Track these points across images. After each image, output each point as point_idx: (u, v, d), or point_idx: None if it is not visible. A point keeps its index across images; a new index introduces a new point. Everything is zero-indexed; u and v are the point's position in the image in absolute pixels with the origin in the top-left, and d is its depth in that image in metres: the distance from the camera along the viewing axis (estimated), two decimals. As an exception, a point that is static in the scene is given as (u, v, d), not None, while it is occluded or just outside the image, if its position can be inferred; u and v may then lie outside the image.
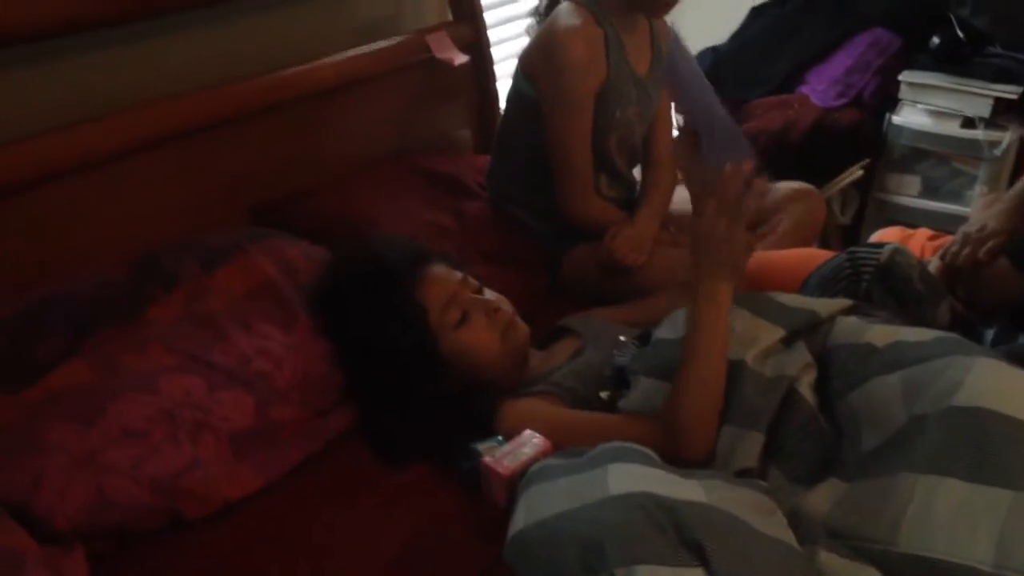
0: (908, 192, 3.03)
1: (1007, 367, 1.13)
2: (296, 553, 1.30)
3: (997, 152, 2.77)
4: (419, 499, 1.40)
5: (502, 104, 2.31)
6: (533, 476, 1.16)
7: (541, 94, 1.94)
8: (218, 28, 1.88)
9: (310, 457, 1.46)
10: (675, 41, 1.34)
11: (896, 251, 1.49)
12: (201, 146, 1.82)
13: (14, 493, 1.22)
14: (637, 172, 2.20)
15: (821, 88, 2.96)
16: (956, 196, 2.95)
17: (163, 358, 1.43)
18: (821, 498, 1.14)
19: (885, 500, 1.06)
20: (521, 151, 2.06)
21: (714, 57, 3.11)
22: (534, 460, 1.28)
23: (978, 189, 2.87)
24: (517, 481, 1.21)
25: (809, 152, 2.80)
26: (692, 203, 1.35)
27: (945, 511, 1.01)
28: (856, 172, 2.87)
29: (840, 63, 3.00)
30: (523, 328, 1.57)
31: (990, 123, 2.77)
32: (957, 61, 2.82)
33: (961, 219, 1.73)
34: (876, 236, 2.03)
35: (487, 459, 1.34)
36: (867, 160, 2.92)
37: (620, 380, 1.46)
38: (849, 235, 3.04)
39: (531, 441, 1.35)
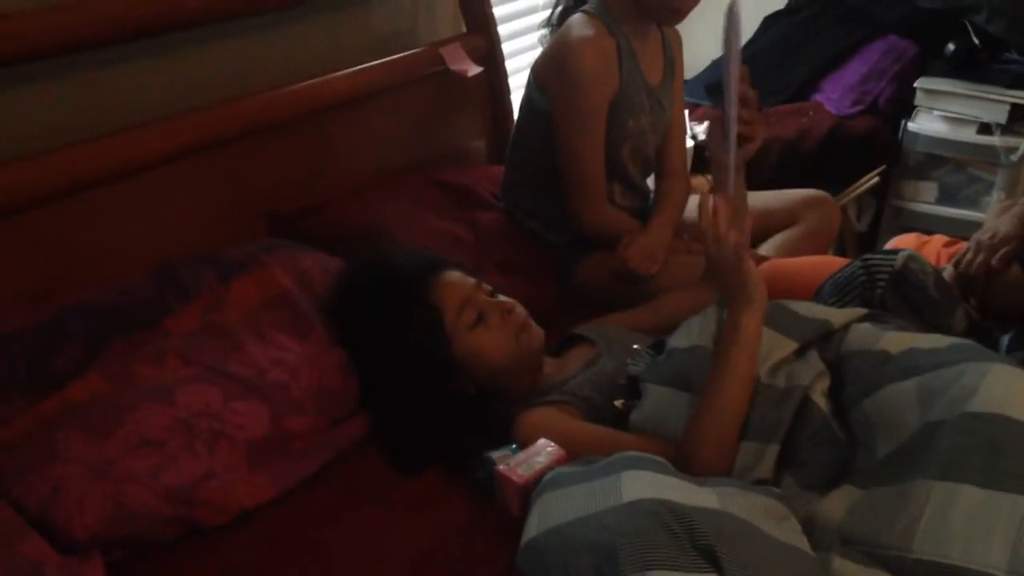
0: (925, 199, 3.02)
1: (1023, 373, 1.13)
2: (311, 561, 1.30)
3: (1014, 158, 2.76)
4: (434, 507, 1.40)
5: (516, 115, 2.32)
6: (547, 484, 1.16)
7: (553, 105, 1.95)
8: (235, 42, 1.90)
9: (325, 466, 1.46)
10: (732, 15, 1.36)
11: (910, 258, 1.48)
12: (218, 159, 1.84)
13: (33, 503, 1.24)
14: (651, 182, 2.21)
15: (836, 96, 2.96)
16: (973, 202, 2.94)
17: (180, 369, 1.44)
18: (835, 505, 1.14)
19: (900, 506, 1.05)
20: (534, 161, 2.07)
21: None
22: (548, 469, 1.28)
23: (995, 195, 2.86)
24: (531, 489, 1.21)
25: (824, 160, 2.80)
26: (714, 182, 1.37)
27: (960, 517, 1.00)
28: (872, 179, 2.87)
29: (855, 71, 3.00)
30: (537, 331, 1.57)
31: (1007, 129, 2.76)
32: (973, 67, 2.82)
33: (979, 225, 1.72)
34: (892, 243, 2.03)
35: (501, 467, 1.35)
36: (883, 167, 2.91)
37: (634, 389, 1.46)
38: (866, 242, 3.03)
39: (545, 450, 1.35)
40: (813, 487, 1.22)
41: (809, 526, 1.11)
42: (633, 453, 1.15)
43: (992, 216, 1.69)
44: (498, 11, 2.50)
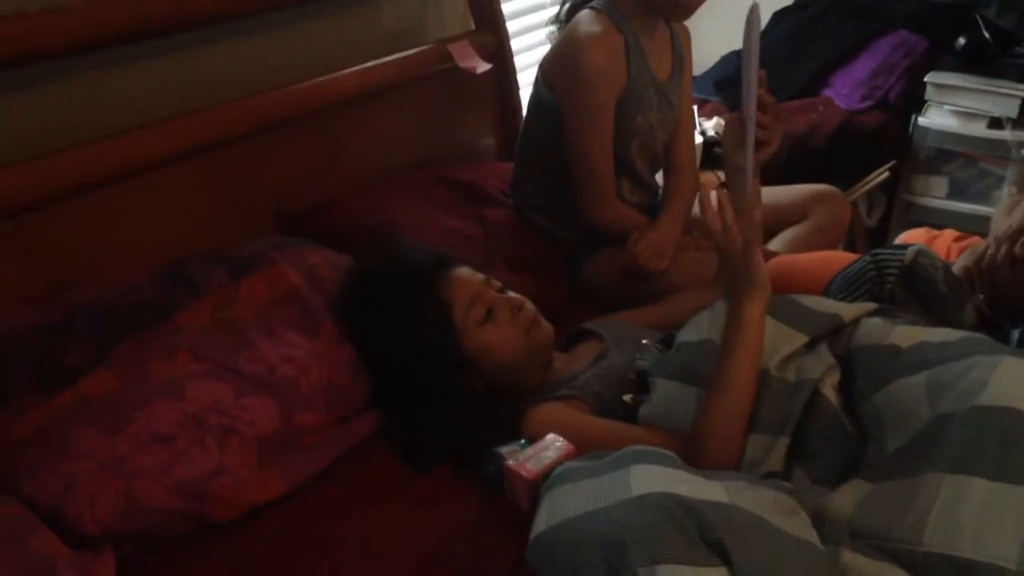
0: (935, 194, 3.01)
1: (1033, 366, 1.12)
2: (321, 557, 1.31)
3: (1025, 152, 2.75)
4: (443, 503, 1.40)
5: (524, 112, 2.32)
6: (556, 479, 1.16)
7: (562, 101, 1.95)
8: (242, 41, 1.90)
9: (335, 463, 1.47)
10: (752, 17, 1.36)
11: (920, 252, 1.48)
12: (226, 157, 1.84)
13: (45, 499, 1.25)
14: (660, 178, 2.20)
15: (846, 91, 2.95)
16: (984, 197, 2.93)
17: (190, 364, 1.44)
18: (845, 499, 1.13)
19: (910, 500, 1.05)
20: (543, 158, 2.07)
21: (737, 62, 3.10)
22: (557, 463, 1.28)
23: (1006, 190, 2.84)
24: (540, 484, 1.21)
25: (834, 155, 2.79)
26: (727, 184, 1.37)
27: (971, 510, 1.00)
28: (882, 174, 2.86)
29: (865, 66, 2.99)
30: (547, 327, 1.58)
31: (1017, 123, 2.75)
32: (983, 61, 2.80)
33: (988, 220, 1.71)
34: (902, 238, 2.02)
35: (510, 462, 1.35)
36: (893, 162, 2.90)
37: (643, 383, 1.46)
38: (876, 237, 3.02)
39: (554, 445, 1.35)
40: (823, 481, 1.21)
41: (818, 520, 1.10)
42: (642, 447, 1.15)
43: (1001, 214, 1.68)
44: (506, 8, 2.51)
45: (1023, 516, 0.97)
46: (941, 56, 2.91)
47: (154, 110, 1.72)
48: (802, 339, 1.34)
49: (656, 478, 1.06)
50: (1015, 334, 1.47)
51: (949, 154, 2.95)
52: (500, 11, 2.43)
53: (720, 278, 1.38)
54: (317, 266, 1.70)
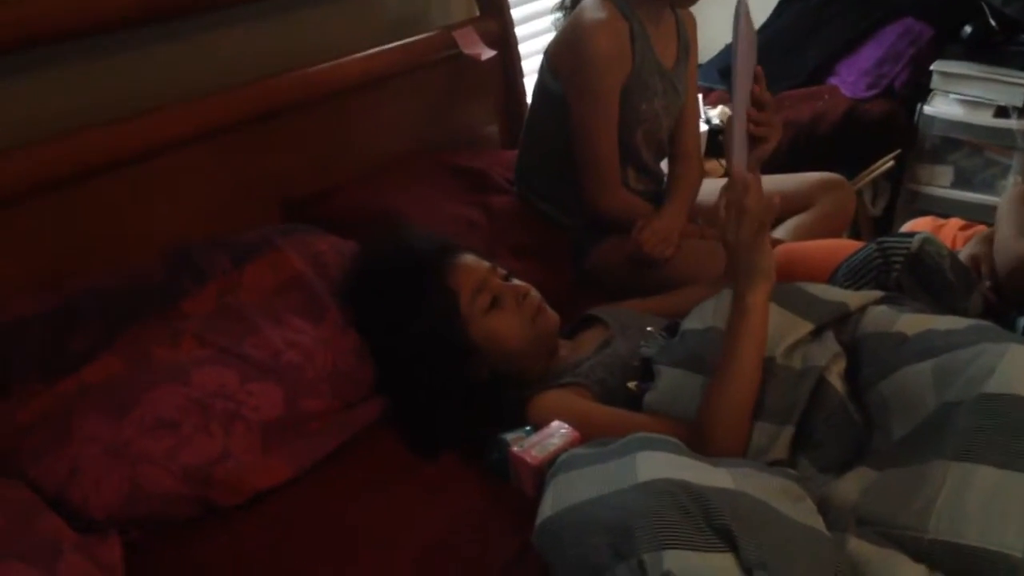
0: (940, 183, 3.00)
1: (1040, 354, 1.12)
2: (325, 543, 1.31)
3: (1031, 141, 2.74)
4: (448, 490, 1.40)
5: (529, 99, 2.31)
6: (561, 465, 1.16)
7: (567, 88, 1.94)
8: (246, 27, 1.90)
9: (339, 449, 1.47)
10: (741, 8, 1.36)
11: (926, 240, 1.47)
12: (232, 143, 1.84)
13: (50, 483, 1.25)
14: (665, 166, 2.20)
15: (851, 79, 2.94)
16: (989, 186, 2.92)
17: (195, 350, 1.45)
18: (851, 486, 1.13)
19: (916, 487, 1.05)
20: (548, 145, 2.07)
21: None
22: (562, 450, 1.28)
23: (1011, 179, 2.83)
24: (545, 471, 1.21)
25: (840, 143, 2.79)
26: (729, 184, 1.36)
27: (977, 498, 1.00)
28: (887, 163, 2.85)
29: (870, 54, 2.97)
30: (552, 315, 1.57)
31: (1023, 112, 2.73)
32: (990, 50, 2.79)
33: (994, 209, 1.70)
34: (908, 226, 2.02)
35: (515, 449, 1.35)
36: (898, 151, 2.89)
37: (647, 371, 1.46)
38: (880, 226, 3.01)
39: (559, 431, 1.36)
40: (828, 469, 1.21)
41: (824, 507, 1.10)
42: (647, 434, 1.15)
43: (1006, 200, 1.67)
44: (511, -6, 2.50)
45: (1029, 504, 0.97)
46: (947, 44, 2.90)
47: (157, 96, 1.72)
48: (808, 327, 1.34)
49: (662, 464, 1.06)
50: (1022, 322, 1.47)
51: (954, 143, 2.94)
52: (505, -3, 2.43)
53: (726, 267, 1.38)
54: (322, 252, 1.70)
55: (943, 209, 2.77)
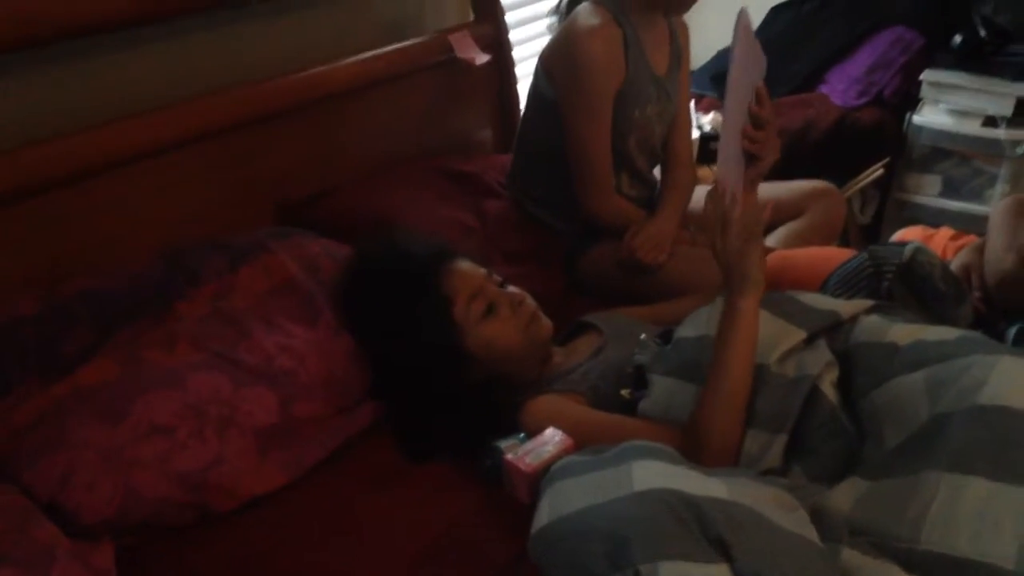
0: (928, 192, 3.02)
1: (1031, 366, 1.13)
2: (319, 548, 1.31)
3: (1019, 151, 2.75)
4: (443, 495, 1.41)
5: (523, 104, 2.32)
6: (556, 473, 1.16)
7: (560, 93, 1.94)
8: (242, 29, 1.90)
9: (334, 453, 1.47)
10: (741, 19, 1.36)
11: (918, 250, 1.48)
12: (225, 146, 1.84)
13: (44, 488, 1.25)
14: (658, 172, 2.20)
15: (842, 87, 2.95)
16: (977, 196, 2.93)
17: (189, 355, 1.44)
18: (843, 496, 1.14)
19: (908, 498, 1.06)
20: (541, 150, 2.07)
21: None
22: (556, 458, 1.28)
23: (999, 188, 2.85)
24: (540, 478, 1.21)
25: (829, 151, 2.80)
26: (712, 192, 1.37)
27: (969, 509, 1.01)
28: (876, 171, 2.86)
29: (861, 62, 2.99)
30: (546, 322, 1.58)
31: (1012, 122, 2.75)
32: (979, 59, 2.80)
33: (982, 219, 1.71)
34: (898, 235, 2.02)
35: (509, 456, 1.35)
36: (887, 159, 2.91)
37: (640, 378, 1.46)
38: (869, 235, 3.03)
39: (553, 439, 1.36)
40: (821, 478, 1.22)
41: (817, 517, 1.11)
42: (643, 442, 1.15)
43: (997, 211, 1.68)
44: (505, -1, 2.50)
45: (1021, 516, 0.98)
46: (937, 54, 2.92)
47: (152, 97, 1.72)
48: (801, 335, 1.35)
49: (658, 474, 1.06)
50: (1011, 332, 1.48)
51: (943, 152, 2.95)
52: (499, 2, 2.43)
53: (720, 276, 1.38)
54: (316, 256, 1.70)
55: (931, 218, 2.79)
